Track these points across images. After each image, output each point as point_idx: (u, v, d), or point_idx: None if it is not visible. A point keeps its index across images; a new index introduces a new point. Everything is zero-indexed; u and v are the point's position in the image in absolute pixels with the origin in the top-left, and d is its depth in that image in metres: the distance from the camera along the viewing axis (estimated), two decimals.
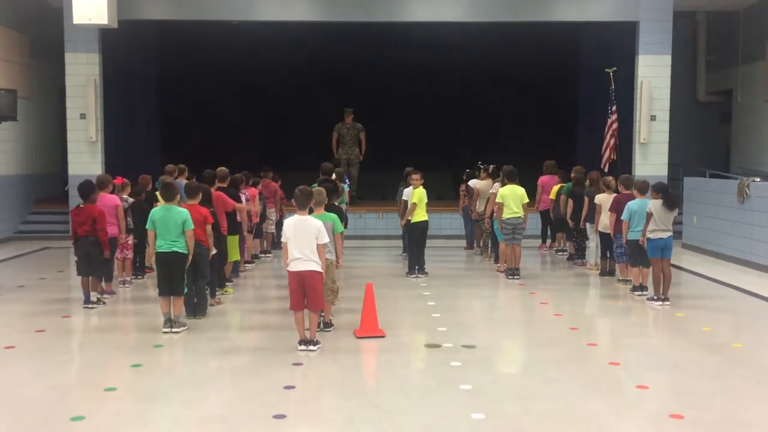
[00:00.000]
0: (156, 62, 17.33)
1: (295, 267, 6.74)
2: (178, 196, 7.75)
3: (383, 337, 7.27)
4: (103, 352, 6.93)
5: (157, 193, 10.20)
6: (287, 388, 5.82)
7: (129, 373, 6.27)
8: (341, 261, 7.64)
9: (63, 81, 14.71)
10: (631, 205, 9.23)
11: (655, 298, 8.88)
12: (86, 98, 14.47)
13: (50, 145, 16.55)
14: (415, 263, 10.65)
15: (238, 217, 9.69)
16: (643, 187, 9.36)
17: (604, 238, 10.41)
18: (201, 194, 8.15)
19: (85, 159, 14.53)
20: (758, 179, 12.01)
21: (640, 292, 9.31)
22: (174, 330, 7.41)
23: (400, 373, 6.25)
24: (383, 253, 12.99)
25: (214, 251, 8.28)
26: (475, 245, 13.08)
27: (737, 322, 8.41)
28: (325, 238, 6.83)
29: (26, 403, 5.55)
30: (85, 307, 8.54)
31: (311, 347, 6.80)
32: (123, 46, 15.19)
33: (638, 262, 9.30)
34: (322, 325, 7.41)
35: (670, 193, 8.88)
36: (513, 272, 10.48)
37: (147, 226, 7.65)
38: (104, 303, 8.73)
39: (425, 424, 5.08)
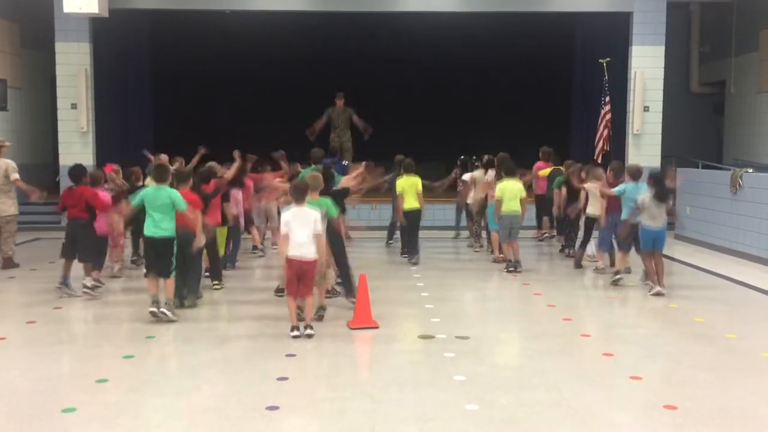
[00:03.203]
0: (148, 52, 17.19)
1: (295, 252, 6.77)
2: (170, 178, 7.70)
3: (377, 328, 7.26)
4: (94, 343, 6.91)
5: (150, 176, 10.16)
6: (280, 379, 5.80)
7: (121, 365, 6.23)
8: (349, 235, 7.82)
9: (54, 70, 14.62)
10: (626, 186, 9.23)
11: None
12: (77, 88, 14.38)
13: (41, 136, 16.45)
14: (406, 247, 11.03)
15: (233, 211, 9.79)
16: (636, 173, 9.34)
17: (590, 224, 10.44)
18: (191, 181, 8.18)
19: (77, 149, 14.44)
20: (751, 170, 12.05)
21: (619, 276, 9.37)
22: (161, 311, 7.34)
23: (393, 364, 6.24)
24: (376, 245, 12.96)
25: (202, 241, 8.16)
26: (456, 233, 13.17)
27: (730, 312, 8.42)
28: (320, 228, 6.91)
29: (17, 395, 5.51)
30: (58, 287, 8.57)
31: (308, 331, 6.87)
32: (114, 36, 15.09)
33: (627, 248, 9.34)
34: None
35: (663, 187, 8.77)
36: (514, 266, 10.39)
37: (133, 202, 7.64)
38: (96, 294, 8.67)
39: (419, 415, 5.07)
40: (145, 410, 5.20)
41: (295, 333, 6.85)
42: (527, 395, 5.46)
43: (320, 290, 7.62)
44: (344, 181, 8.75)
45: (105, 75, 15.08)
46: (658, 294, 8.79)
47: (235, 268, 10.45)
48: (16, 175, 10.40)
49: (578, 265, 10.63)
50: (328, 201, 7.53)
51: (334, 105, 15.50)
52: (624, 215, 9.28)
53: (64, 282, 8.61)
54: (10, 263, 10.55)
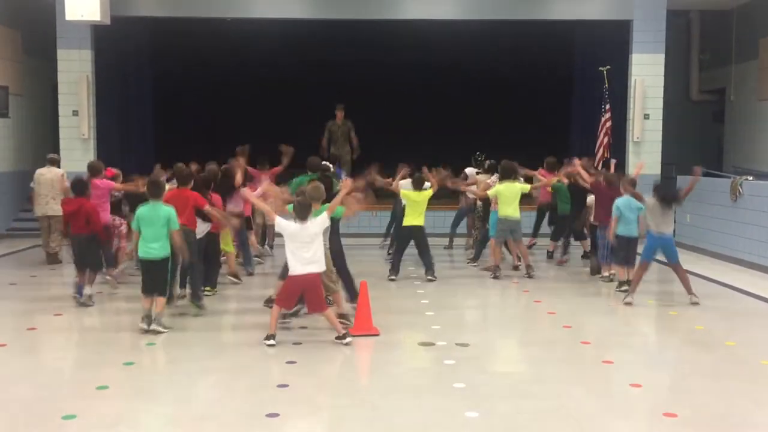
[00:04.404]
0: (149, 59, 17.23)
1: (298, 271, 6.77)
2: (164, 193, 7.71)
3: (377, 335, 7.26)
4: (94, 350, 6.90)
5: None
6: (280, 386, 5.80)
7: (121, 372, 6.23)
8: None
9: (55, 77, 14.64)
10: (618, 202, 9.21)
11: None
12: (79, 95, 14.39)
13: (42, 142, 16.45)
14: (396, 264, 10.50)
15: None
16: (631, 185, 9.33)
17: (594, 229, 10.46)
18: (192, 182, 8.27)
19: (78, 156, 14.44)
20: (751, 178, 12.05)
21: (625, 287, 9.29)
22: (152, 328, 7.28)
23: (393, 372, 6.24)
24: (377, 252, 12.97)
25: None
26: (468, 241, 13.18)
27: (730, 320, 8.42)
28: (321, 244, 6.93)
29: (17, 402, 5.51)
30: (73, 297, 8.55)
31: (345, 341, 6.88)
32: (116, 43, 15.11)
33: (622, 260, 9.33)
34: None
35: (668, 193, 8.74)
36: (527, 270, 10.44)
37: (132, 225, 7.64)
38: (93, 303, 8.66)
39: (419, 423, 5.07)
40: (145, 417, 5.21)
41: (271, 342, 6.81)
42: (527, 403, 5.46)
43: (337, 298, 7.59)
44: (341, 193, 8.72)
45: (106, 82, 15.11)
46: (628, 303, 8.72)
47: (254, 273, 10.52)
48: (66, 183, 11.26)
49: (595, 272, 10.56)
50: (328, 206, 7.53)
51: (334, 118, 15.67)
52: (618, 229, 9.21)
53: (79, 292, 8.61)
54: (54, 259, 11.41)
